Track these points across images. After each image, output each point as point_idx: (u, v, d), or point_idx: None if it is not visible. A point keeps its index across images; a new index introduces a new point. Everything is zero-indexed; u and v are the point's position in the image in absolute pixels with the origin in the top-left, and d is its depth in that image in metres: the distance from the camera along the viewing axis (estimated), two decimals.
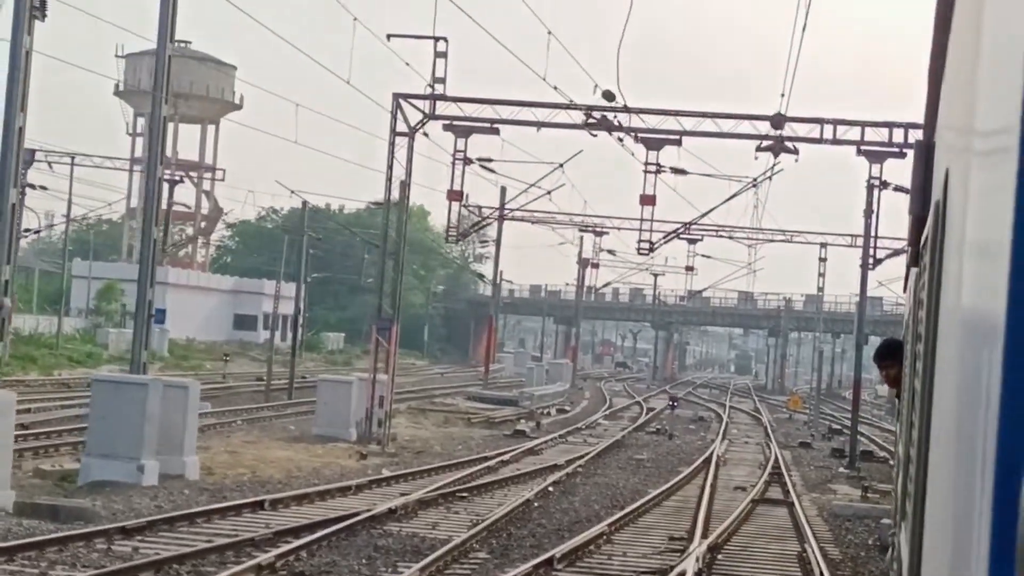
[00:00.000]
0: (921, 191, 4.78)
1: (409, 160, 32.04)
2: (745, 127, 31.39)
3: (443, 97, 31.71)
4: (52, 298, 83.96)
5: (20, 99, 19.05)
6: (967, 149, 2.48)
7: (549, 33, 28.82)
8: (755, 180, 33.46)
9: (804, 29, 25.08)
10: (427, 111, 31.93)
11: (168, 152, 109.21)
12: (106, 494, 19.93)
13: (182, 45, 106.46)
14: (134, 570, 14.31)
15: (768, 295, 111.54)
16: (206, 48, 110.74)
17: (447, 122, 32.56)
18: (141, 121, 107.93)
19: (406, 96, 31.87)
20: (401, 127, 32.34)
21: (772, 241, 56.39)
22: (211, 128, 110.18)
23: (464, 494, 23.48)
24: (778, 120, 28.58)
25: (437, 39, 31.42)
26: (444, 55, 31.58)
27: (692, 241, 55.56)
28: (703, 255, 67.04)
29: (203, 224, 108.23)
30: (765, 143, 29.65)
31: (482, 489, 24.58)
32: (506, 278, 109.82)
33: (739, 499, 25.49)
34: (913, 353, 5.29)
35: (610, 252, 69.00)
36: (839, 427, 49.99)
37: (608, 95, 26.26)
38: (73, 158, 62.98)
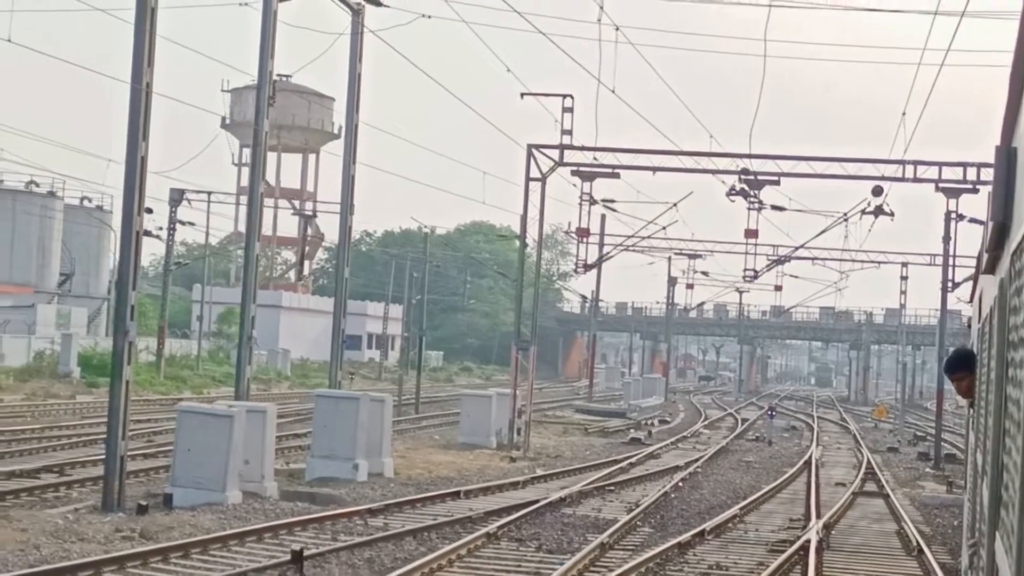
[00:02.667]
0: (1003, 196, 4.64)
1: (541, 202, 36.84)
2: (835, 168, 35.93)
3: (570, 147, 36.49)
4: (171, 323, 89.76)
5: (259, 179, 24.07)
6: None
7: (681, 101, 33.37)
8: (846, 215, 38.01)
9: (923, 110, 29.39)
10: (556, 159, 36.72)
11: (271, 181, 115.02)
12: (334, 486, 24.82)
13: (284, 79, 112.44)
14: (399, 536, 19.12)
15: (850, 310, 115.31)
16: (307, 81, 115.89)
17: (574, 168, 37.42)
18: (246, 152, 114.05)
19: (538, 146, 36.67)
20: (533, 173, 37.11)
21: (862, 268, 60.57)
22: (312, 157, 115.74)
23: (611, 488, 28.15)
24: (877, 189, 33.18)
25: (564, 96, 36.18)
26: (571, 110, 36.35)
27: (781, 262, 59.75)
28: (791, 275, 71.62)
29: (307, 249, 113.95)
30: (866, 208, 34.31)
31: (623, 484, 29.22)
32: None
33: (840, 492, 29.85)
34: (1002, 359, 5.12)
35: (704, 273, 73.61)
36: (923, 434, 54.00)
37: (745, 171, 30.99)
38: (210, 195, 68.57)
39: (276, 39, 25.31)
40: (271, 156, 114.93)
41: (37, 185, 72.73)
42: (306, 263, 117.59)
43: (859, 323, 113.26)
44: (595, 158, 36.23)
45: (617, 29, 30.04)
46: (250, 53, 25.51)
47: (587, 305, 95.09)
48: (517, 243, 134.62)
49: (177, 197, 56.98)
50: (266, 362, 75.53)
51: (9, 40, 25.34)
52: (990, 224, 5.18)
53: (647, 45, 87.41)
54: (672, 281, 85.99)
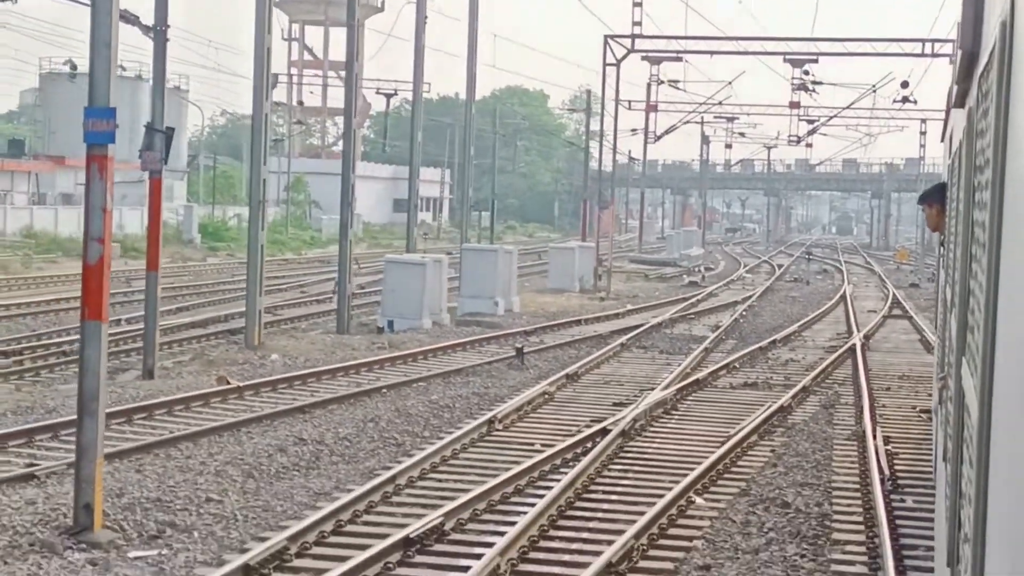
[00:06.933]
0: (972, 22, 4.39)
1: (617, 84, 43.68)
2: (866, 47, 42.63)
3: (640, 36, 43.22)
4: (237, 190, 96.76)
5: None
6: None
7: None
8: (874, 87, 44.72)
9: None
10: (628, 47, 43.48)
11: (320, 55, 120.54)
12: (481, 318, 32.19)
13: None
14: (560, 346, 26.48)
15: (872, 162, 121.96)
16: None
17: (644, 54, 44.22)
18: (295, 27, 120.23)
19: (613, 36, 43.41)
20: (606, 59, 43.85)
21: (887, 130, 67.26)
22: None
23: (692, 316, 35.53)
24: (905, 84, 39.99)
25: None
26: (640, 4, 43.00)
27: (816, 129, 66.59)
28: (822, 134, 78.42)
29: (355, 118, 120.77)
30: (896, 98, 41.14)
31: (700, 314, 36.57)
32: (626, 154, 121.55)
33: (872, 317, 37.05)
34: (969, 185, 5.03)
35: (741, 134, 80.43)
36: None
37: (789, 55, 37.70)
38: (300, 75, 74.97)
39: None
40: (319, 30, 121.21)
41: (124, 69, 79.08)
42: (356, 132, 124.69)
43: (880, 173, 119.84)
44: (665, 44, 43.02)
45: None
46: None
47: (625, 164, 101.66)
48: (548, 106, 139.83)
49: (272, 81, 63.48)
50: None
51: None
52: (959, 55, 5.12)
53: None
54: (706, 140, 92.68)
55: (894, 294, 46.13)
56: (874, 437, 15.85)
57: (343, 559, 10.07)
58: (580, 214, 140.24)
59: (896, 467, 14.58)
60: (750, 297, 43.18)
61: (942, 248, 10.87)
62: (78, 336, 25.01)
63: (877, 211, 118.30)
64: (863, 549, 11.32)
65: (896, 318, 37.49)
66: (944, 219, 9.93)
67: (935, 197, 10.72)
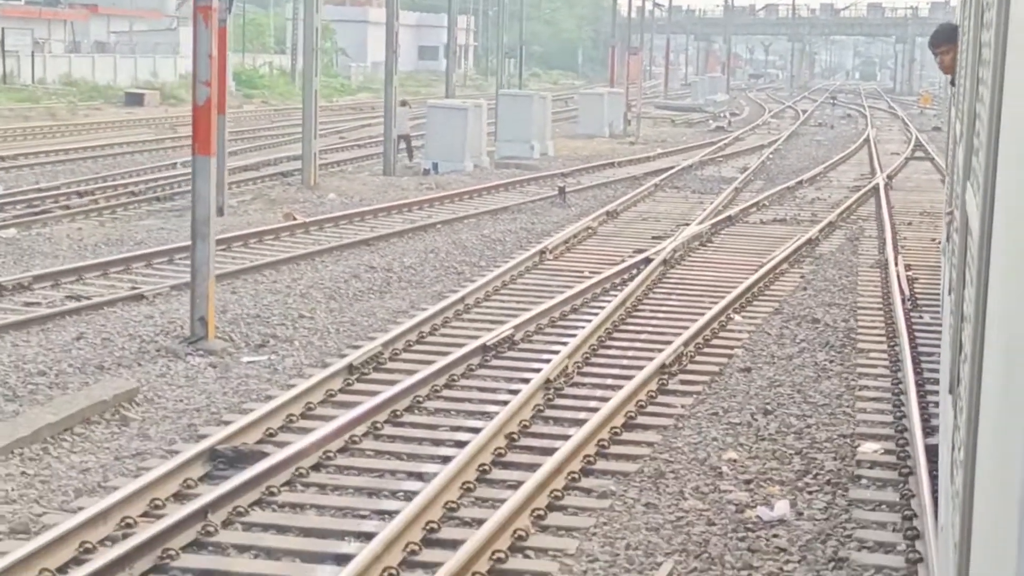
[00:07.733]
0: None
1: None
2: None
3: None
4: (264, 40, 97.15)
5: None
6: None
7: None
8: None
9: None
10: None
11: None
12: (519, 160, 33.45)
13: None
14: (597, 186, 27.79)
15: (897, 7, 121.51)
16: None
17: None
18: None
19: None
20: None
21: None
22: None
23: (720, 159, 36.71)
24: None
25: None
26: None
27: None
28: None
29: None
30: None
31: (727, 156, 37.74)
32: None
33: (895, 159, 38.19)
34: (979, 8, 4.90)
35: None
36: None
37: None
38: None
39: None
40: None
41: None
42: None
43: (905, 17, 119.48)
44: None
45: None
46: None
47: (648, 10, 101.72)
48: None
49: None
50: (371, 72, 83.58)
51: None
52: None
53: None
54: None
55: (917, 137, 47.15)
56: (896, 264, 17.24)
57: (431, 362, 11.56)
58: (604, 61, 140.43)
59: (916, 290, 15.98)
60: (776, 141, 44.27)
61: (953, 88, 10.90)
62: (142, 178, 26.56)
63: (901, 56, 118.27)
64: (885, 357, 12.77)
65: (919, 160, 38.63)
66: (956, 60, 9.79)
67: (947, 39, 10.42)
